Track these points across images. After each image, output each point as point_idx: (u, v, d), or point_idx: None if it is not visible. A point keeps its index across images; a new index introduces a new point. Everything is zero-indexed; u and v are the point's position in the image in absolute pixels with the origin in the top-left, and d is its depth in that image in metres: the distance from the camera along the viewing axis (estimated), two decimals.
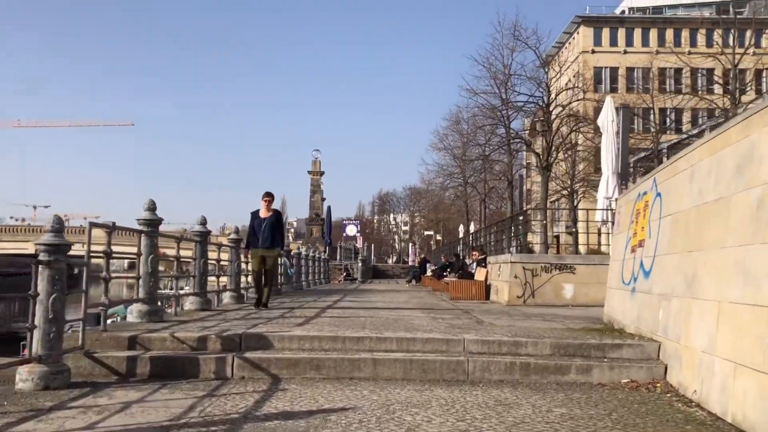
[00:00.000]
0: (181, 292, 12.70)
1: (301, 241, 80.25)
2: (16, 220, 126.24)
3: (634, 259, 9.38)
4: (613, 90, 59.80)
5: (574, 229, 44.86)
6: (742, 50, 35.72)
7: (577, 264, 15.90)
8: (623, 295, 9.83)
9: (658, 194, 8.44)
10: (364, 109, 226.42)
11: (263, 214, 12.15)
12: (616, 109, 18.95)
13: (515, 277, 15.76)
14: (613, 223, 17.98)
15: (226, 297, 13.73)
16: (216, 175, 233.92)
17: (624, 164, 19.47)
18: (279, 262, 15.62)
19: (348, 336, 7.55)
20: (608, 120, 18.51)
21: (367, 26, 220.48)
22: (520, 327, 9.71)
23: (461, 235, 49.73)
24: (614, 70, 65.88)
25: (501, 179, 38.33)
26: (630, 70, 63.56)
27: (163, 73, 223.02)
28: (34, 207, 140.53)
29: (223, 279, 14.07)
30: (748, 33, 43.70)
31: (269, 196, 12.33)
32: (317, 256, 29.59)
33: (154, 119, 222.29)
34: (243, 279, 15.14)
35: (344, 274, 40.29)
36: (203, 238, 11.65)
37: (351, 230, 45.79)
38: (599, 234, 42.26)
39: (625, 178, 20.43)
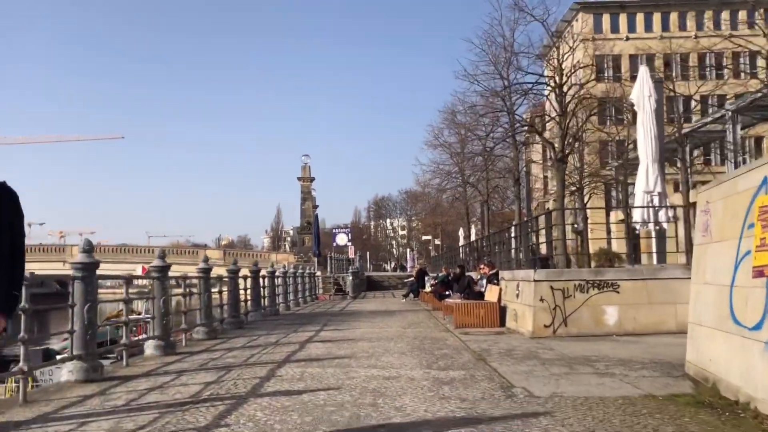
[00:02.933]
0: None
1: (294, 251, 76.54)
2: None
3: (767, 288, 5.63)
4: (617, 80, 56.19)
5: (581, 229, 41.17)
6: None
7: (621, 280, 12.14)
8: (742, 345, 6.05)
9: None
10: (357, 111, 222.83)
11: None
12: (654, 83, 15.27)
13: (541, 300, 12.00)
14: (663, 222, 14.29)
15: (149, 347, 9.93)
16: (209, 186, 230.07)
17: (662, 150, 15.80)
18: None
19: None
20: (644, 95, 14.82)
21: (355, 22, 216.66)
22: (575, 397, 6.03)
23: (461, 241, 45.95)
24: (617, 58, 62.23)
25: (505, 177, 34.51)
26: (633, 57, 60.05)
27: (150, 84, 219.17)
28: (29, 225, 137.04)
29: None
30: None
31: None
32: (299, 272, 25.76)
33: (143, 132, 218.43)
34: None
35: (335, 288, 36.50)
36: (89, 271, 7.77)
37: (342, 239, 41.94)
38: (609, 234, 38.59)
39: (662, 166, 16.71)
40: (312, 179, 65.90)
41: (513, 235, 17.57)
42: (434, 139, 37.40)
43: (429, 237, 70.57)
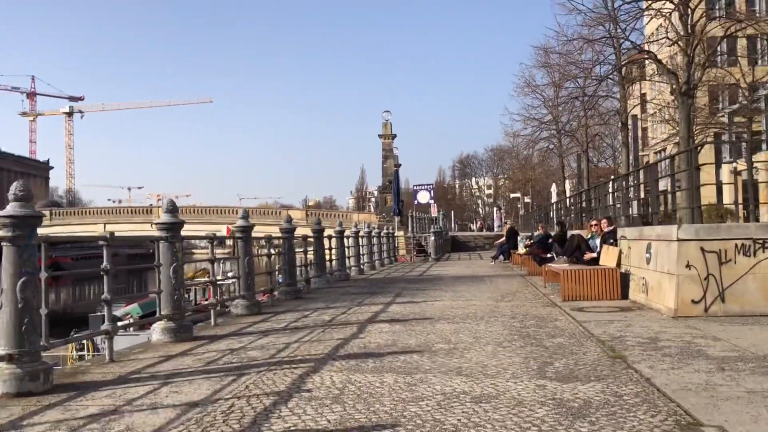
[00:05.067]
0: None
1: (377, 211, 74.26)
2: (113, 202, 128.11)
3: None
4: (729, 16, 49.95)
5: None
6: None
7: None
8: None
9: None
10: (441, 65, 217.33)
11: None
12: None
13: (687, 266, 8.75)
14: None
15: (156, 331, 7.44)
16: (293, 148, 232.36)
17: None
18: None
19: None
20: None
21: None
22: None
23: (554, 197, 42.01)
24: None
25: (607, 122, 30.32)
26: None
27: (237, 48, 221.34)
28: (129, 189, 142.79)
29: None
30: None
31: None
32: (374, 232, 23.12)
33: (230, 97, 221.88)
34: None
35: (416, 249, 33.79)
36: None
37: (423, 197, 39.00)
38: (719, 188, 33.76)
39: None
40: (393, 136, 63.01)
41: (631, 183, 14.14)
42: (525, 85, 33.47)
43: (518, 194, 66.42)
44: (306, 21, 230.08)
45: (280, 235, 12.54)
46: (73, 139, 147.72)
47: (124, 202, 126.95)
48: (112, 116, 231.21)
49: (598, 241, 12.37)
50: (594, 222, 13.03)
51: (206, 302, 9.00)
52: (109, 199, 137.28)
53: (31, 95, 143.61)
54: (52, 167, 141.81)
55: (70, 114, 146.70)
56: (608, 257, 11.70)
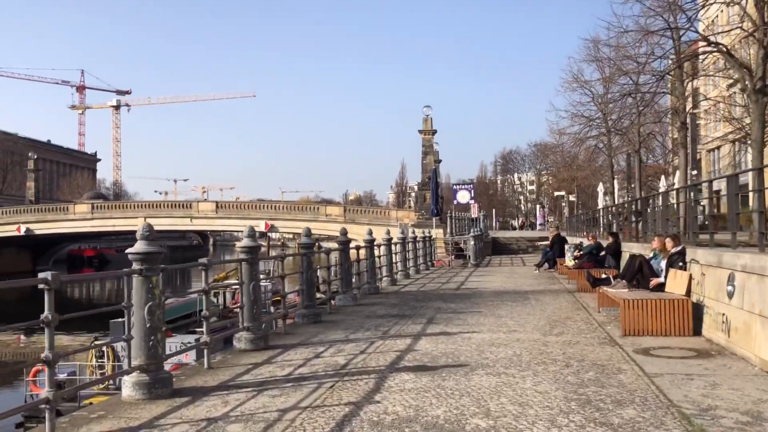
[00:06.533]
0: None
1: (416, 208, 72.63)
2: (159, 193, 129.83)
3: None
4: None
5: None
6: None
7: None
8: None
9: None
10: (485, 57, 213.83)
11: None
12: None
13: None
14: None
15: (127, 386, 6.09)
16: (336, 142, 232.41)
17: None
18: None
19: None
20: None
21: None
22: None
23: (601, 197, 39.79)
24: None
25: (662, 121, 28.13)
26: None
27: (278, 43, 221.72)
28: (175, 181, 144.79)
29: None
30: None
31: None
32: (408, 238, 21.58)
33: (271, 91, 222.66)
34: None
35: (455, 252, 32.13)
36: None
37: (463, 197, 37.27)
38: None
39: None
40: (434, 132, 61.44)
41: (704, 195, 12.33)
42: (573, 80, 31.39)
43: (562, 193, 63.95)
44: (348, 16, 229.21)
45: (301, 250, 11.16)
46: (120, 132, 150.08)
47: (170, 195, 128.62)
48: (158, 110, 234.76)
49: (663, 264, 10.63)
50: (659, 240, 11.27)
51: (199, 342, 7.59)
52: (155, 191, 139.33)
53: (80, 89, 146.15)
54: (100, 159, 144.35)
55: (117, 107, 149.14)
56: (677, 283, 9.98)
